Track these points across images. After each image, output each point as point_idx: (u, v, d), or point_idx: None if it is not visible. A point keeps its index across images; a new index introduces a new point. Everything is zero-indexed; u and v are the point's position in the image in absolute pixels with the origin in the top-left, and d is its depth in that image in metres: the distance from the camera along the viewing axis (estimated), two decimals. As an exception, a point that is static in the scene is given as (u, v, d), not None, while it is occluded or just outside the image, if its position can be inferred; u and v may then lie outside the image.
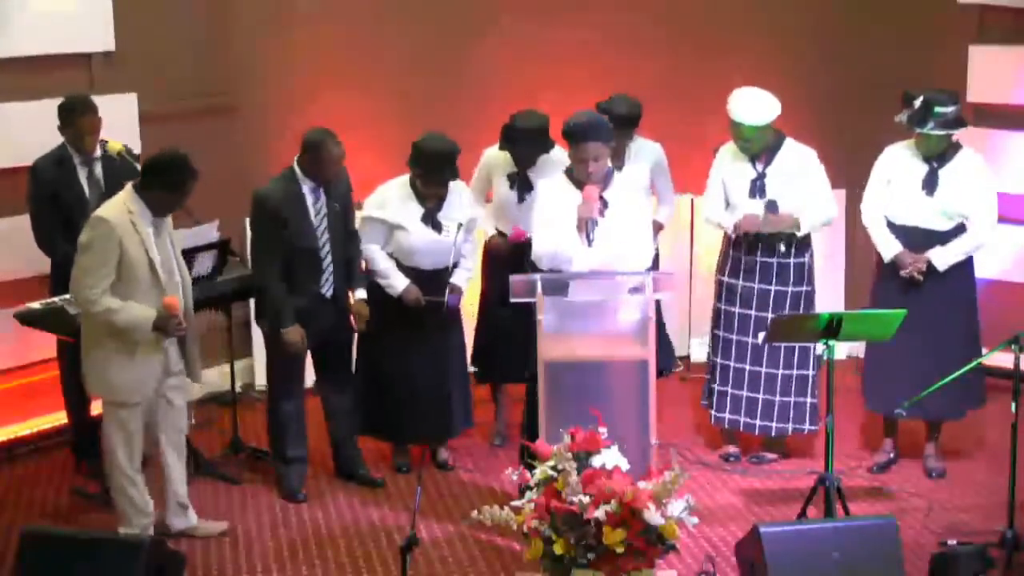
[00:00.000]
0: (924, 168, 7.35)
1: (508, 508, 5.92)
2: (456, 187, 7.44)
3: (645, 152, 7.89)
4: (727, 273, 7.62)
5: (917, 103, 7.22)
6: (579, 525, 5.80)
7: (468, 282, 7.60)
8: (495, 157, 7.82)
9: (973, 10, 8.87)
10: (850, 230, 8.72)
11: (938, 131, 7.22)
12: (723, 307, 7.65)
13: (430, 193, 7.36)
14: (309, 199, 7.19)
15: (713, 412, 7.71)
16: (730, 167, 7.57)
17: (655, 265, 7.54)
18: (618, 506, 5.77)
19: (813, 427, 7.64)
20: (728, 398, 7.64)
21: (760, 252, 7.52)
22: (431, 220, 7.38)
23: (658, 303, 7.72)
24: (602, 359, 6.39)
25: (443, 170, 7.29)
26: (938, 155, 7.32)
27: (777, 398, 7.59)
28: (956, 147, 7.37)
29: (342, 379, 7.49)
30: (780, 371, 7.56)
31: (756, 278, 7.54)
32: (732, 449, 7.81)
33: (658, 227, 7.92)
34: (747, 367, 7.58)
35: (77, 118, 7.35)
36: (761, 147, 7.45)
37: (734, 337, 7.59)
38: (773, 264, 7.53)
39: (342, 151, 7.13)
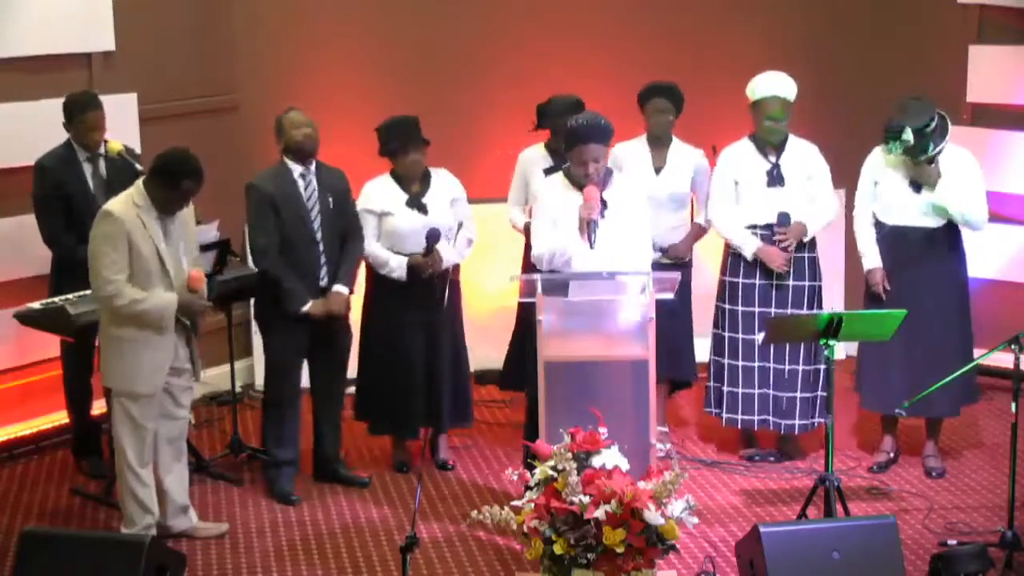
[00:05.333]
0: (911, 167, 7.34)
1: (508, 508, 5.93)
2: (437, 171, 7.49)
3: (686, 157, 7.82)
4: (740, 273, 7.57)
5: (907, 136, 7.10)
6: (579, 525, 5.80)
7: (467, 247, 7.60)
8: (529, 156, 7.85)
9: (973, 10, 8.86)
10: (849, 230, 8.70)
11: (940, 146, 7.19)
12: (727, 307, 7.62)
13: (409, 166, 7.39)
14: (300, 185, 7.22)
15: (725, 414, 7.66)
16: (739, 164, 7.56)
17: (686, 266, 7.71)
18: (618, 506, 5.77)
19: (821, 419, 7.58)
20: (740, 398, 7.60)
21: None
22: (416, 203, 7.41)
23: (688, 311, 7.75)
24: (602, 359, 6.40)
25: (410, 136, 7.33)
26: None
27: (798, 394, 7.54)
28: None
29: (335, 378, 7.45)
30: (800, 367, 7.52)
31: (770, 275, 7.51)
32: (753, 451, 7.78)
33: (701, 230, 7.89)
34: (760, 365, 7.55)
35: (83, 113, 7.35)
36: (785, 129, 7.44)
37: (742, 337, 7.57)
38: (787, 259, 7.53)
39: (307, 119, 7.20)
